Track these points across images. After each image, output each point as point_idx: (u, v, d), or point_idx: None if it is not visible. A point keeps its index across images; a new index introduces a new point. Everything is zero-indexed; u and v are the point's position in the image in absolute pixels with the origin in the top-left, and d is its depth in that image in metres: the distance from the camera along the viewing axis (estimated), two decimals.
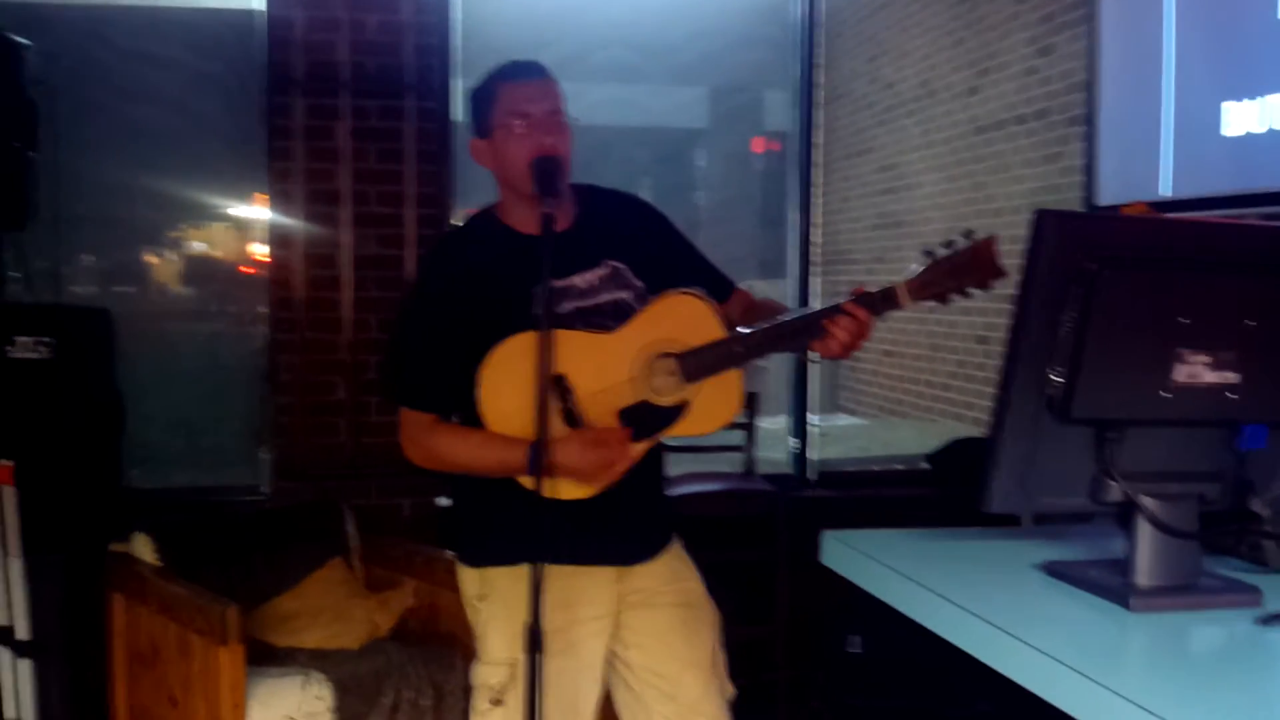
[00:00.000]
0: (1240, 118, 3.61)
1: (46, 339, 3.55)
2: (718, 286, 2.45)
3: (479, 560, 2.42)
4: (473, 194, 4.20)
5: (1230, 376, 1.70)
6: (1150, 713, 1.32)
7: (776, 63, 5.10)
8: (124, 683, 3.49)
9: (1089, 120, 4.36)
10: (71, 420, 3.60)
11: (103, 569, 3.52)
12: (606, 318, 2.33)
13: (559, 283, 2.29)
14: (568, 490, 2.22)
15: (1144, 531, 1.73)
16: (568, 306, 2.31)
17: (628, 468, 2.28)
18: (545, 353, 2.10)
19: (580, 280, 2.34)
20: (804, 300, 4.75)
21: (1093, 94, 4.32)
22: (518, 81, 2.33)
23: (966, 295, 2.21)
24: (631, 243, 2.41)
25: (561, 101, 2.33)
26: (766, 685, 4.12)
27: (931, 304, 2.24)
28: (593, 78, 5.99)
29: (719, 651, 2.51)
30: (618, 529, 2.39)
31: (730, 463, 4.43)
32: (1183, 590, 1.73)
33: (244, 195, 4.58)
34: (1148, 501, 1.72)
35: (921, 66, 6.89)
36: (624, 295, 2.37)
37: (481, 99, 2.35)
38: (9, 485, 3.13)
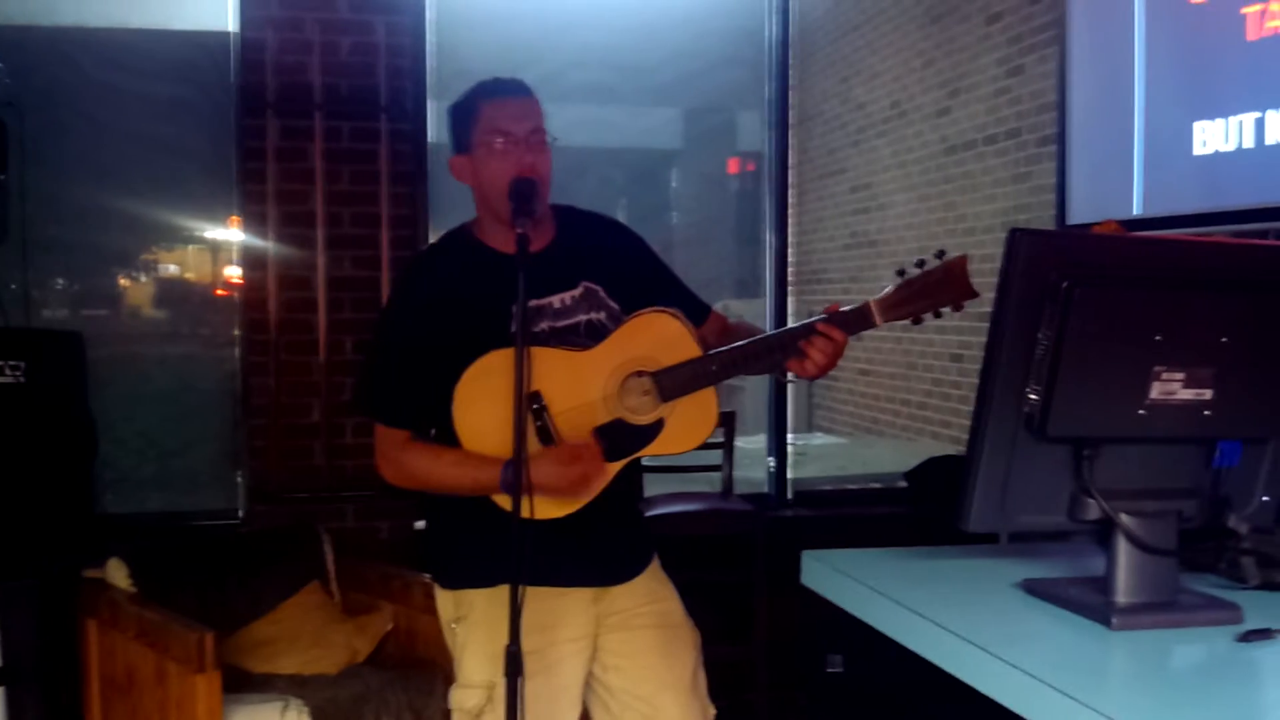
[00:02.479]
0: (1210, 137, 3.64)
1: (17, 362, 3.52)
2: (693, 310, 2.45)
3: (454, 582, 2.41)
4: (447, 215, 4.19)
5: (1205, 393, 1.71)
6: None
7: (750, 84, 5.12)
8: (99, 710, 3.45)
9: (1060, 140, 4.39)
10: (43, 444, 3.57)
11: (76, 595, 3.49)
12: (580, 338, 2.33)
13: (534, 302, 2.29)
14: (543, 509, 2.22)
15: (1123, 549, 1.74)
16: (542, 326, 2.31)
17: (603, 484, 2.28)
18: (521, 374, 2.10)
19: (555, 300, 2.35)
20: (780, 320, 4.76)
21: (1063, 114, 4.35)
22: (500, 99, 2.32)
23: (938, 314, 2.23)
24: (607, 265, 2.41)
25: (543, 120, 2.33)
26: (747, 706, 4.11)
27: (905, 323, 2.25)
28: (567, 98, 5.98)
29: (699, 672, 2.51)
30: (595, 549, 2.38)
31: (708, 482, 4.43)
32: (1162, 608, 1.73)
33: (217, 217, 4.56)
34: (1126, 519, 1.73)
35: (893, 87, 6.93)
36: (598, 316, 2.37)
37: (463, 115, 2.35)
38: None
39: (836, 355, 2.22)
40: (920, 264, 2.20)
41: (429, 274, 2.42)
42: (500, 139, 2.28)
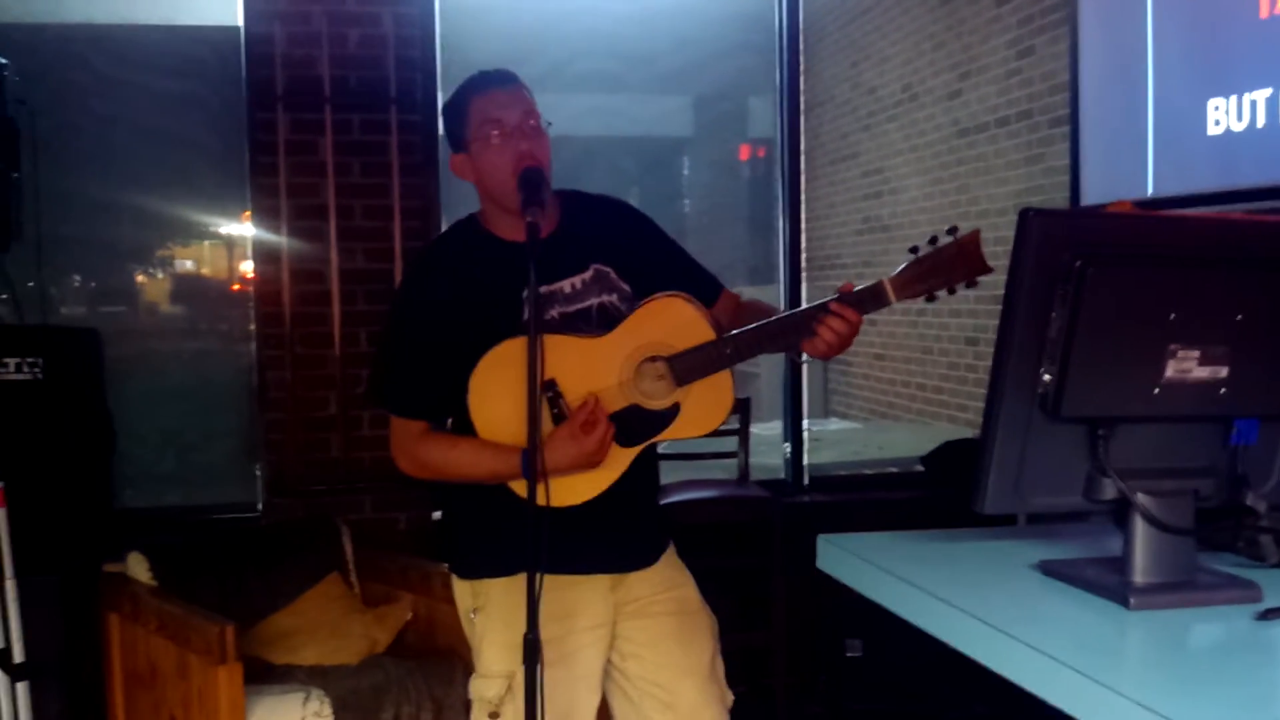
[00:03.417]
0: (1223, 115, 3.62)
1: (35, 360, 3.54)
2: (705, 287, 2.45)
3: (472, 572, 2.42)
4: (458, 206, 4.19)
5: (1220, 371, 1.70)
6: (1150, 710, 1.32)
7: (760, 70, 5.11)
8: (122, 704, 3.48)
9: (1072, 121, 4.37)
10: (62, 441, 3.59)
11: (97, 589, 3.51)
12: (592, 321, 2.33)
13: (545, 288, 2.29)
14: (561, 496, 2.22)
15: (1140, 529, 1.73)
16: (554, 311, 2.31)
17: (621, 469, 2.28)
18: (535, 362, 2.10)
19: (566, 285, 2.34)
20: (794, 306, 4.74)
21: (1075, 94, 4.33)
22: (488, 92, 2.32)
23: (953, 291, 2.22)
24: (616, 246, 2.41)
25: (534, 107, 2.33)
26: (766, 691, 4.11)
27: (920, 304, 2.24)
28: (576, 87, 5.99)
29: (717, 658, 2.51)
30: (612, 537, 2.39)
31: (724, 469, 4.43)
32: (1180, 587, 1.72)
33: (231, 213, 4.57)
34: (1143, 498, 1.72)
35: (903, 71, 6.91)
36: (610, 298, 2.37)
37: (455, 113, 2.35)
38: (0, 507, 3.11)
39: (851, 335, 2.22)
40: (933, 241, 2.19)
41: (439, 265, 2.42)
42: (494, 131, 2.28)
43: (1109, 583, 1.75)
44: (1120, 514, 1.76)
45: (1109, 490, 1.73)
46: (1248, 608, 1.67)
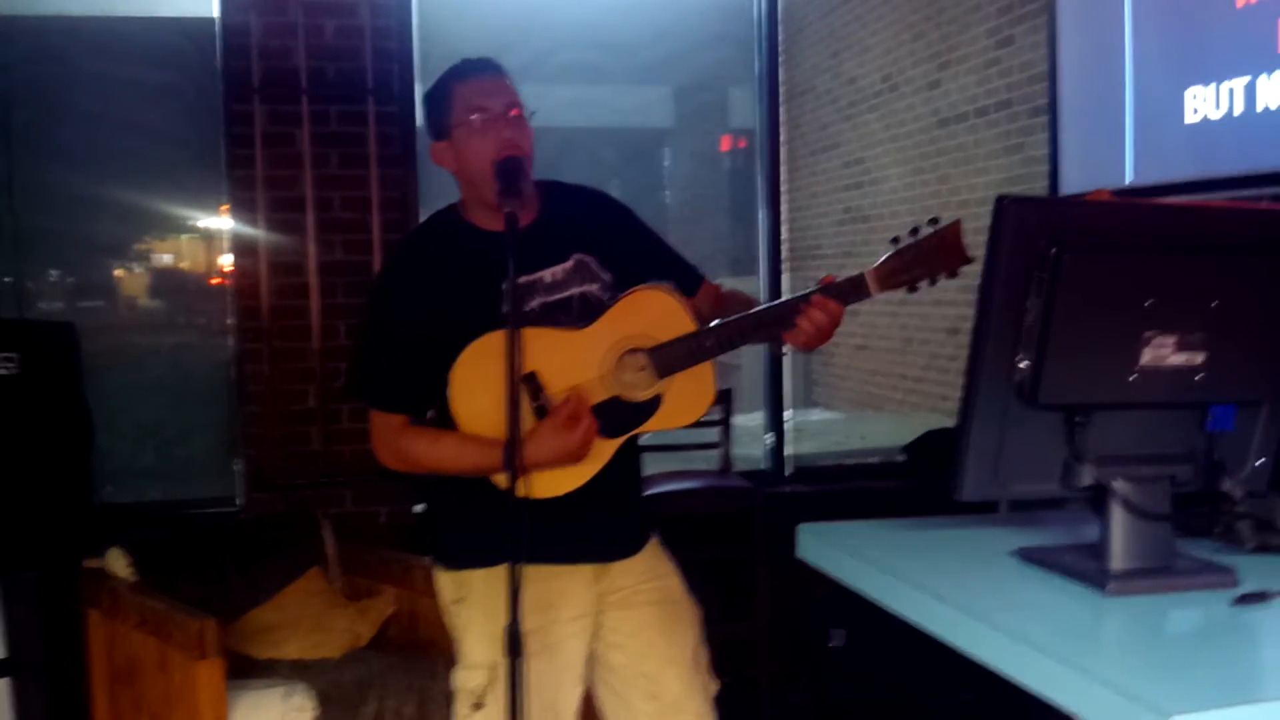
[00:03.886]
0: (1201, 104, 3.63)
1: (11, 354, 3.52)
2: (686, 278, 2.45)
3: (455, 563, 2.41)
4: (437, 198, 4.18)
5: (1196, 358, 1.71)
6: (1127, 695, 1.33)
7: (740, 60, 5.11)
8: (104, 700, 3.46)
9: (1051, 110, 4.38)
10: (40, 436, 3.57)
11: (77, 585, 3.49)
12: (574, 311, 2.33)
13: (526, 278, 2.29)
14: (543, 488, 2.22)
15: (1117, 515, 1.74)
16: (535, 302, 2.31)
17: (603, 462, 2.28)
18: (514, 353, 2.09)
19: (547, 275, 2.34)
20: (774, 297, 4.75)
21: (1054, 84, 4.34)
22: (472, 79, 2.32)
23: (934, 282, 2.22)
24: (597, 235, 2.40)
25: (518, 98, 2.32)
26: (749, 681, 4.12)
27: (901, 294, 2.24)
28: (557, 78, 5.98)
29: (701, 648, 2.51)
30: (595, 527, 2.38)
31: (706, 460, 4.43)
32: (1157, 573, 1.73)
33: (209, 206, 4.55)
34: (1120, 485, 1.73)
35: (883, 61, 6.91)
36: (591, 288, 2.36)
37: (437, 100, 2.34)
38: None
39: (833, 326, 2.22)
40: (914, 231, 2.19)
41: (417, 257, 2.40)
42: (478, 116, 2.27)
43: (1087, 569, 1.76)
44: (1098, 500, 1.77)
45: (1086, 477, 1.74)
46: (1224, 593, 1.68)
